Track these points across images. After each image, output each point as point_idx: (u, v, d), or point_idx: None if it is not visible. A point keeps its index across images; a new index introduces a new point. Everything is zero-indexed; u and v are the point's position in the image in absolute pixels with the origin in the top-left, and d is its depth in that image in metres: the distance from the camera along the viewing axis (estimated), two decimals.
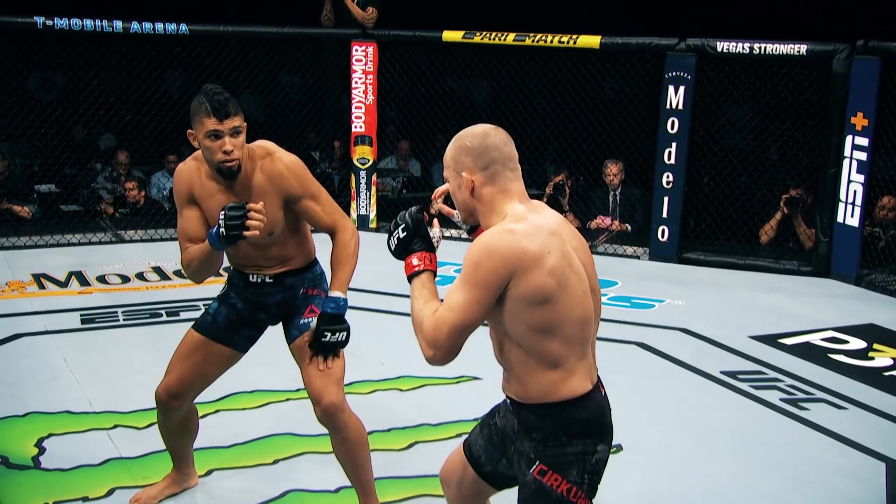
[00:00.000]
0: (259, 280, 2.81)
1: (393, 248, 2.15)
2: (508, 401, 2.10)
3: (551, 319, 1.94)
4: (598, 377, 2.09)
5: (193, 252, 2.66)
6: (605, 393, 2.09)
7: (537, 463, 1.99)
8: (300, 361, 2.77)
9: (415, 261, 2.09)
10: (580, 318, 1.98)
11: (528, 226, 1.95)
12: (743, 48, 6.11)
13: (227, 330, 2.83)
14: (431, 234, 2.15)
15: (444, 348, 1.95)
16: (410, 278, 2.09)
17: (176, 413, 2.88)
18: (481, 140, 2.04)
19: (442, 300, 2.02)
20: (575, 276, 1.98)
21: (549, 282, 1.92)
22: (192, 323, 2.91)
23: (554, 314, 1.94)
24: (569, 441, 1.98)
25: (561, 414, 1.98)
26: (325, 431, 3.44)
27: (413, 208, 2.17)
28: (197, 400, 3.74)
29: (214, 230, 2.55)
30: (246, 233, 2.49)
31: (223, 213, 2.51)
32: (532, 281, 1.91)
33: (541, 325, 1.94)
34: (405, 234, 2.12)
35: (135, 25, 6.49)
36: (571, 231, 2.08)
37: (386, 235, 2.19)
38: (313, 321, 2.70)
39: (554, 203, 7.27)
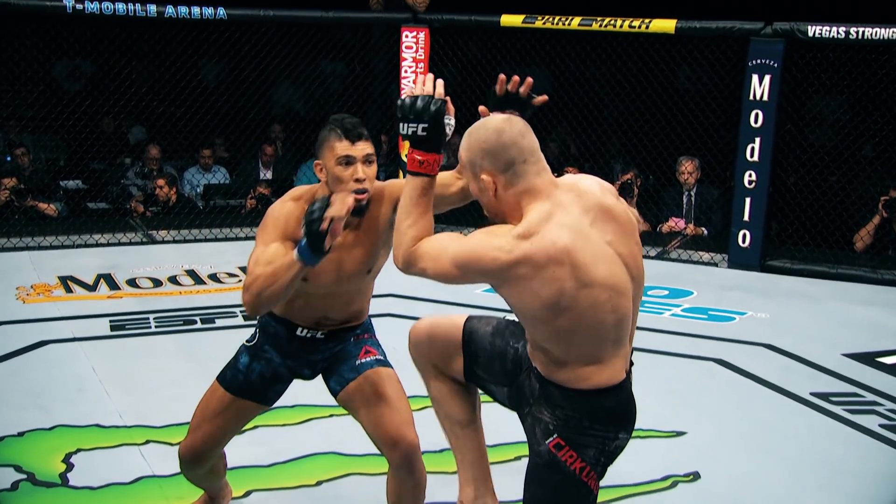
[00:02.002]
0: (308, 335, 2.72)
1: (405, 133, 2.16)
2: (536, 371, 2.16)
3: (570, 328, 2.01)
4: (631, 361, 2.17)
5: (274, 270, 2.41)
6: (631, 378, 2.17)
7: (555, 436, 2.07)
8: (360, 406, 2.70)
9: (420, 158, 2.14)
10: (604, 323, 2.03)
11: (538, 241, 1.96)
12: (837, 33, 6.01)
13: (261, 387, 2.76)
14: (446, 123, 2.18)
15: (410, 272, 2.11)
16: (410, 174, 2.14)
17: (201, 469, 2.84)
18: (496, 138, 2.04)
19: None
20: (593, 287, 1.98)
21: (555, 297, 1.97)
22: (218, 376, 2.79)
23: (571, 324, 2.00)
24: (591, 425, 2.06)
25: (588, 401, 2.06)
26: (373, 451, 3.47)
27: (438, 101, 2.16)
28: None
29: (303, 242, 2.35)
30: (331, 224, 2.29)
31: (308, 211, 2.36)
32: (522, 298, 1.99)
33: (561, 333, 2.02)
34: (424, 133, 2.13)
35: (169, 9, 6.62)
36: (610, 216, 2.07)
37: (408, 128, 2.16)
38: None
39: None
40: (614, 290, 2.02)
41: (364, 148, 2.53)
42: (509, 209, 2.05)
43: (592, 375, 2.05)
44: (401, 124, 2.17)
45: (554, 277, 1.95)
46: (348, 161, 2.51)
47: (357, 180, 2.51)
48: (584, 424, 2.06)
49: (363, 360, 2.71)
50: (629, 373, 2.15)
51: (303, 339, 2.72)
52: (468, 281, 2.08)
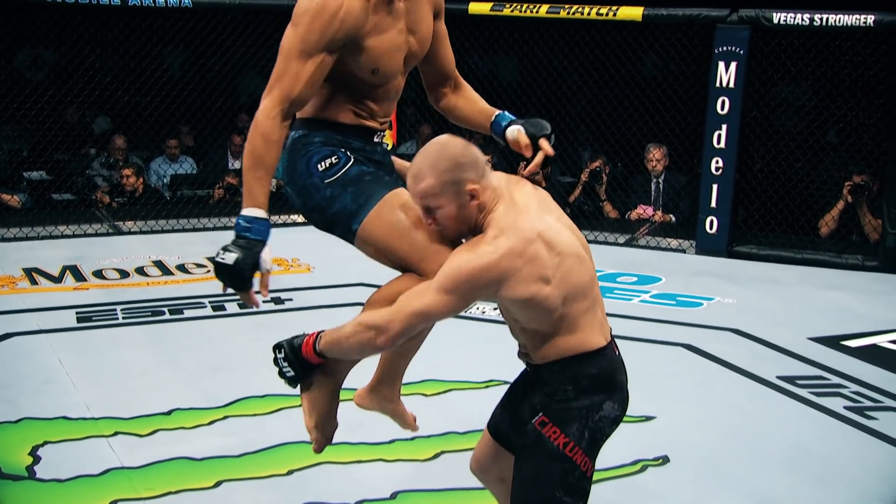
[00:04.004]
0: (380, 140, 2.49)
1: (292, 376, 2.35)
2: (529, 368, 2.27)
3: (551, 304, 2.10)
4: (612, 336, 2.27)
5: (271, 152, 2.38)
6: (619, 353, 2.27)
7: (539, 414, 2.17)
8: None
9: (310, 344, 2.27)
10: (577, 287, 2.13)
11: (513, 233, 2.05)
12: (802, 19, 6.07)
13: (392, 167, 2.53)
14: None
15: (409, 328, 2.11)
16: (318, 352, 2.27)
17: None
18: (465, 150, 2.11)
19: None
20: (565, 256, 2.10)
21: (537, 286, 2.06)
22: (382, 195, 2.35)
23: (552, 299, 2.09)
24: (576, 396, 2.16)
25: (571, 368, 2.16)
26: (343, 440, 3.48)
27: (283, 348, 2.32)
28: (205, 405, 3.81)
29: (253, 220, 2.21)
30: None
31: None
32: (518, 291, 2.06)
33: (543, 313, 2.11)
34: (294, 368, 2.31)
35: None
36: (548, 201, 2.22)
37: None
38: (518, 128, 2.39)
39: (590, 192, 7.27)
40: (577, 256, 2.14)
41: None
42: (477, 214, 2.13)
43: (574, 342, 2.15)
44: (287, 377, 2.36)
45: (535, 256, 2.05)
46: None
47: None
48: (569, 395, 2.15)
49: None
50: (613, 344, 2.26)
51: (378, 146, 2.49)
52: (467, 304, 2.10)
